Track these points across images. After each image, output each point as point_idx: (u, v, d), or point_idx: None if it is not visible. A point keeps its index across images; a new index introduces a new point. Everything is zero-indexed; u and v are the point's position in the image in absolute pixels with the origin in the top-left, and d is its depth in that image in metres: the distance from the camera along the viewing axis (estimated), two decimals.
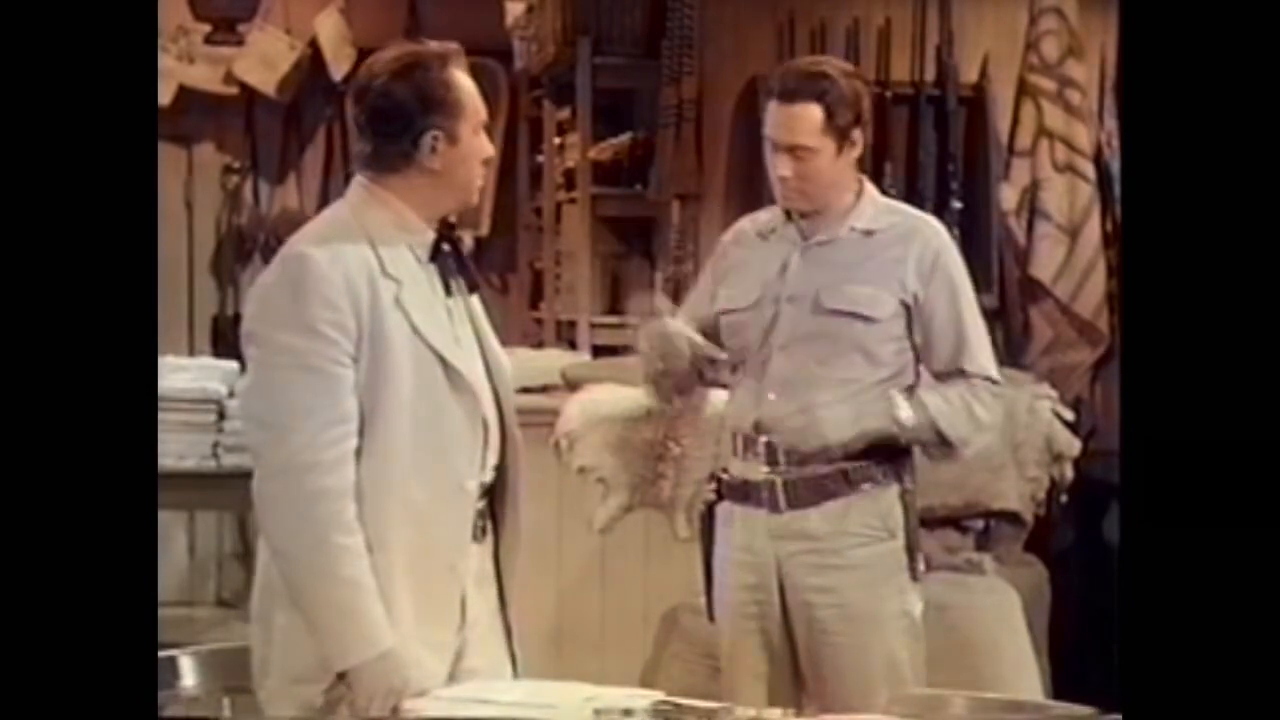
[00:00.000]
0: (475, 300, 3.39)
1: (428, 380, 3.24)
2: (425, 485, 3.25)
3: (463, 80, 3.29)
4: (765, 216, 4.15)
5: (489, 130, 3.39)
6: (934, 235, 4.05)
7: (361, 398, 3.20)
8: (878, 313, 3.97)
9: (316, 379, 3.17)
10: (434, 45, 3.32)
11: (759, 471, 4.01)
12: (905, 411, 3.96)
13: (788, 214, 4.08)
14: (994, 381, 4.04)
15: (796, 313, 4.00)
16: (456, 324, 3.32)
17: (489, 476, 3.36)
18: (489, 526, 3.38)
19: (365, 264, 3.22)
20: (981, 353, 4.04)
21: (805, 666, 4.03)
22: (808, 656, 4.02)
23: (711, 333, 4.13)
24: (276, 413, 3.20)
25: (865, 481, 3.99)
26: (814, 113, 3.94)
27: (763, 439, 4.00)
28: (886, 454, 4.00)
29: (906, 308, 3.99)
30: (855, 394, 3.96)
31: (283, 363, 3.19)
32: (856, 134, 3.99)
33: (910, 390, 4.00)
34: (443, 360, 3.25)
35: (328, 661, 3.19)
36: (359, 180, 3.34)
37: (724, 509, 4.10)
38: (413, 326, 3.23)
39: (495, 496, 3.39)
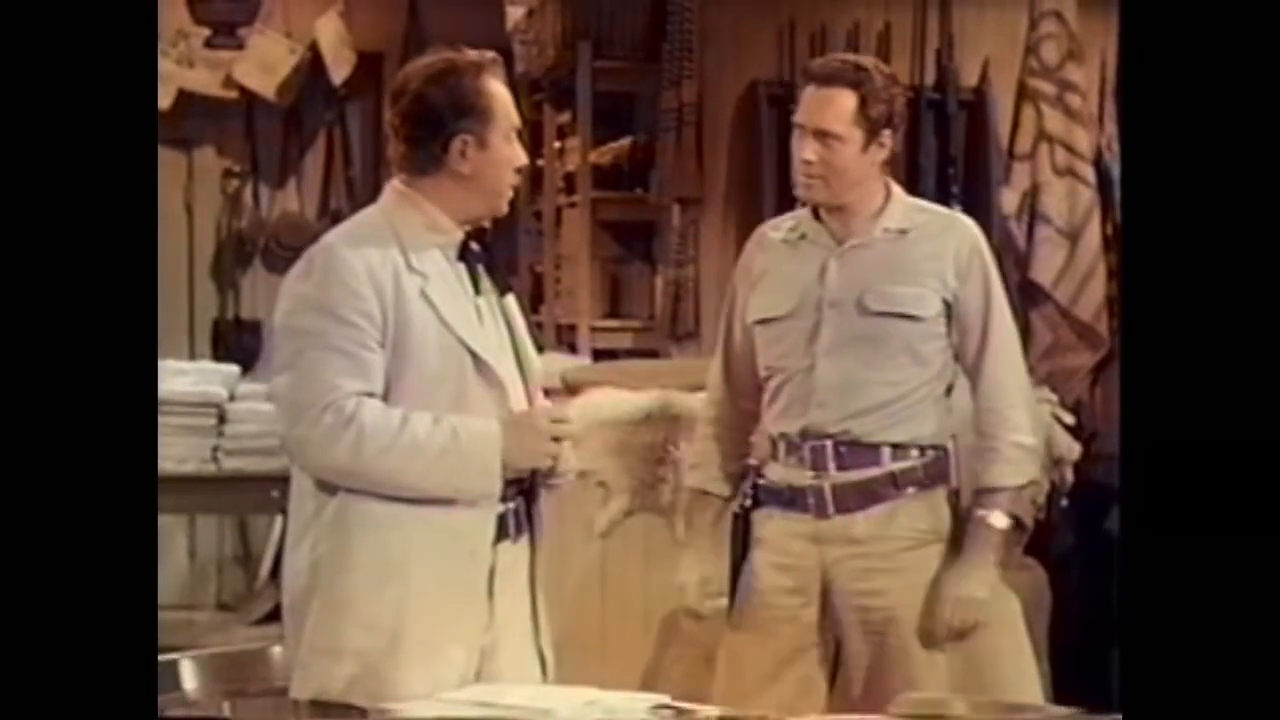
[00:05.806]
0: (510, 302, 3.45)
1: (454, 370, 3.30)
2: None
3: (496, 88, 3.36)
4: (789, 222, 4.10)
5: (521, 137, 3.44)
6: (968, 232, 4.04)
7: (386, 382, 3.26)
8: (924, 311, 3.95)
9: (344, 360, 3.23)
10: (471, 54, 3.39)
11: (804, 476, 4.00)
12: (1003, 521, 3.98)
13: (816, 216, 4.03)
14: (1021, 384, 4.03)
15: (840, 318, 3.96)
16: (486, 321, 3.38)
17: (521, 474, 3.38)
18: (524, 526, 3.40)
19: (390, 258, 3.29)
20: (1007, 353, 4.02)
21: (853, 670, 4.00)
22: (855, 660, 3.99)
23: (748, 346, 4.10)
24: (309, 391, 3.24)
25: (912, 485, 3.97)
26: (847, 99, 3.91)
27: (809, 444, 3.97)
28: (933, 456, 3.99)
29: (948, 305, 3.97)
30: (906, 401, 3.96)
31: (311, 344, 3.24)
32: (886, 135, 3.95)
33: (979, 494, 3.99)
34: (470, 351, 3.31)
35: (486, 484, 3.27)
36: (392, 183, 3.42)
37: (760, 514, 4.07)
38: (439, 317, 3.29)
39: (530, 498, 3.42)
